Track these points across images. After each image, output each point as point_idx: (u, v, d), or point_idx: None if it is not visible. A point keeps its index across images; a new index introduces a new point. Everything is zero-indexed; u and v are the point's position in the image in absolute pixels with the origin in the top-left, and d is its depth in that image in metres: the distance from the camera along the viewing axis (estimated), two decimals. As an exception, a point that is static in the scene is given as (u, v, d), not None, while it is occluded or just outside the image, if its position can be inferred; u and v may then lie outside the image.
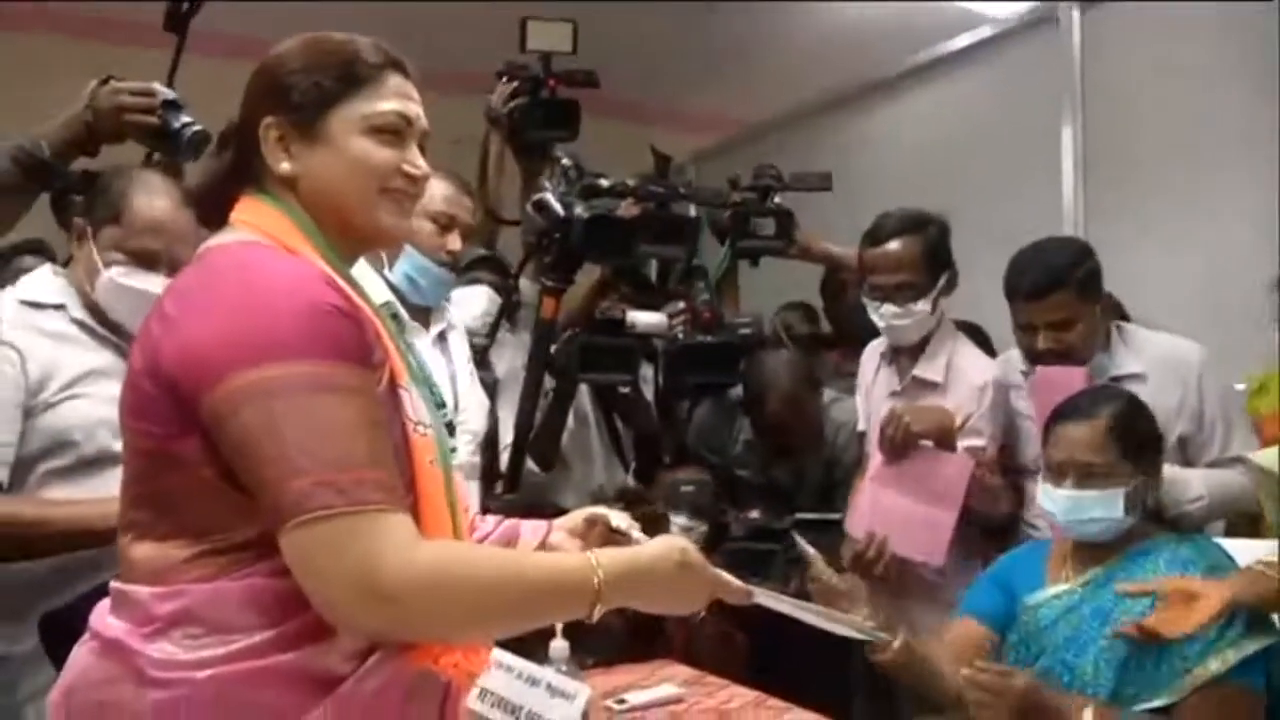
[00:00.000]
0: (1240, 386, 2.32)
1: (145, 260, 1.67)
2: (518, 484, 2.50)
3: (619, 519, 1.38)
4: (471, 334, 2.57)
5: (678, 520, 2.30)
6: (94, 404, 1.65)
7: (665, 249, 2.64)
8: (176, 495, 1.06)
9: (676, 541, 1.19)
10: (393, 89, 1.17)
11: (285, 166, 1.15)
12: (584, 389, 2.76)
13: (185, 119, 1.68)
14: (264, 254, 1.11)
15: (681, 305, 2.71)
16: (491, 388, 2.63)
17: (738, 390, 2.65)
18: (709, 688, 1.84)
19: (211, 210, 1.20)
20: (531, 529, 1.42)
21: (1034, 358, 2.10)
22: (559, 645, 1.73)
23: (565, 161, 2.50)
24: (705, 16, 4.29)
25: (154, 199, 1.68)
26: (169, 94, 1.71)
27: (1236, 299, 2.66)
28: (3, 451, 1.61)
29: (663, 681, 1.84)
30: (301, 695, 1.02)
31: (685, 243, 2.63)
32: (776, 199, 2.77)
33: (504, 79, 2.64)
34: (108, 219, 1.67)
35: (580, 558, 1.12)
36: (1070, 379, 2.03)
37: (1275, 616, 1.63)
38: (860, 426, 2.47)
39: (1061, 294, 2.04)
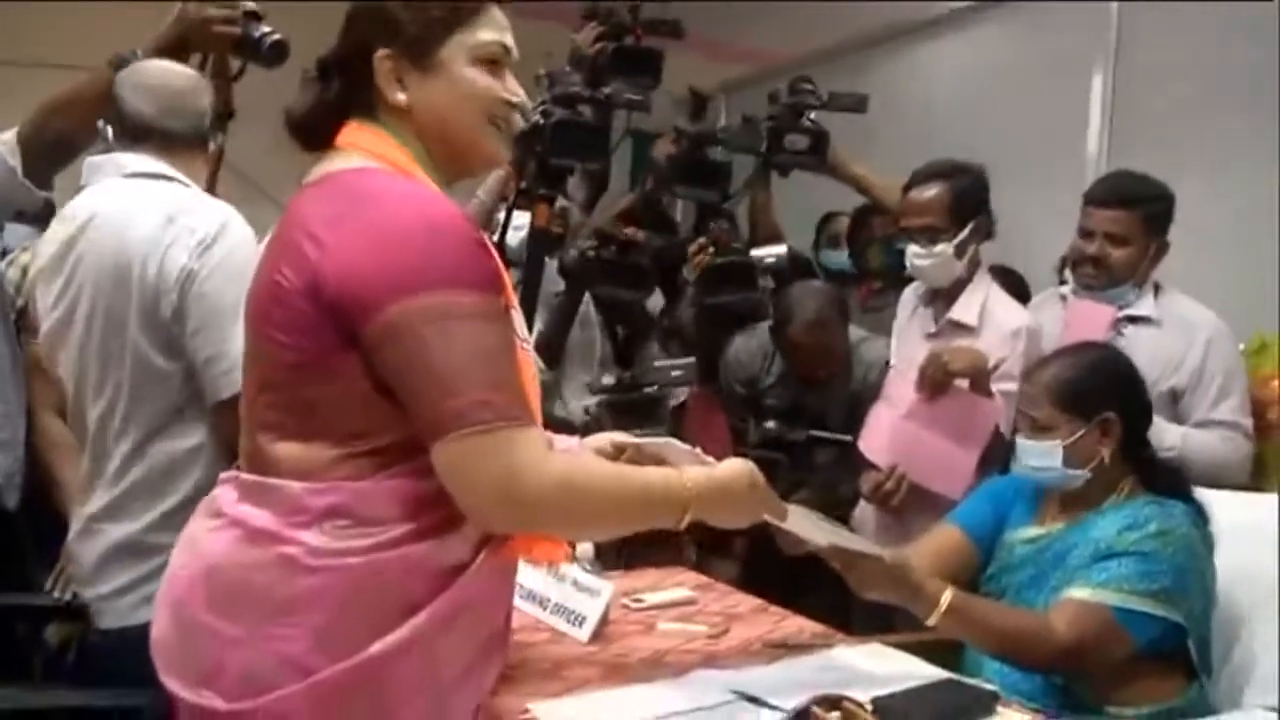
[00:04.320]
0: (1242, 345, 2.40)
1: None
2: None
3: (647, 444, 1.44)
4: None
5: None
6: None
7: (697, 192, 2.71)
8: (326, 402, 1.16)
9: (747, 464, 1.32)
10: (494, 20, 1.25)
11: (400, 97, 1.22)
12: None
13: (264, 29, 1.78)
14: (401, 183, 1.19)
15: (701, 240, 2.77)
16: None
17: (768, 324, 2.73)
18: (716, 593, 1.96)
19: (317, 136, 1.26)
20: (561, 441, 1.52)
21: (1077, 262, 2.26)
22: (585, 547, 1.88)
23: (540, 72, 2.52)
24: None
25: None
26: (250, 5, 1.80)
27: (1253, 262, 2.76)
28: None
29: (675, 585, 1.96)
30: (431, 580, 1.15)
31: (717, 186, 2.68)
32: (811, 116, 2.82)
33: (592, 23, 2.66)
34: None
35: (674, 474, 1.25)
36: (1099, 314, 2.20)
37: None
38: (892, 361, 2.55)
39: (1127, 211, 2.23)
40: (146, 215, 1.68)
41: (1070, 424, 1.77)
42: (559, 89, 2.46)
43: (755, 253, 2.77)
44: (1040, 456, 1.78)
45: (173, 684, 1.19)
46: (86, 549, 1.73)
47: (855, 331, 2.71)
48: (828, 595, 1.86)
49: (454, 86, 1.23)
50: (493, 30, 1.25)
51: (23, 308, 2.28)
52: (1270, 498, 1.94)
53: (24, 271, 2.46)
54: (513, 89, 1.27)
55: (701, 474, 1.27)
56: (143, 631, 1.61)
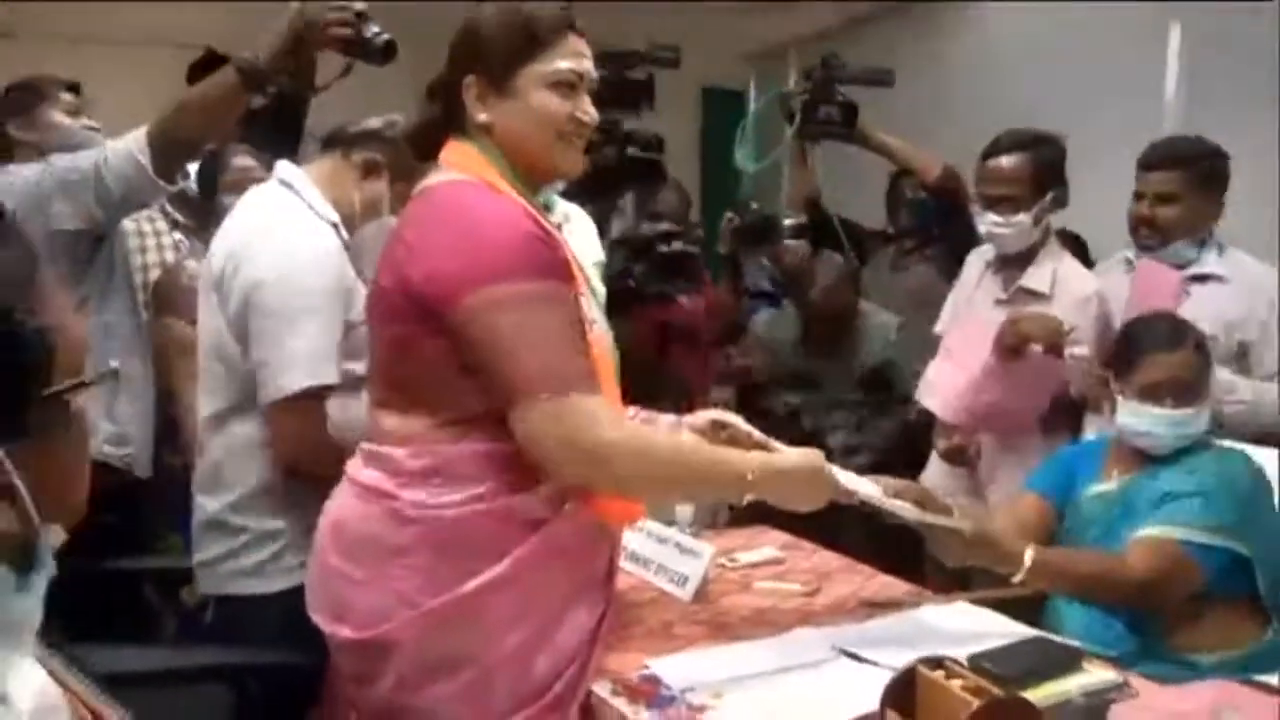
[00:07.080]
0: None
1: None
2: None
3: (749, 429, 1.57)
4: None
5: None
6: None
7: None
8: (420, 381, 1.35)
9: (812, 455, 1.45)
10: (570, 49, 1.40)
11: (482, 117, 1.39)
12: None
13: (375, 29, 1.86)
14: (479, 193, 1.36)
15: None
16: None
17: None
18: (804, 552, 2.06)
19: (426, 149, 1.46)
20: (664, 421, 1.65)
21: (1132, 225, 2.33)
22: (684, 510, 1.99)
23: None
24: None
25: None
26: (360, 6, 1.88)
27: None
28: (331, 351, 1.72)
29: (763, 545, 2.06)
30: (515, 531, 1.34)
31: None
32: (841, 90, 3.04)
33: None
34: (405, 176, 1.81)
35: (739, 457, 1.40)
36: (1167, 277, 2.26)
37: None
38: (941, 324, 2.64)
39: (1172, 172, 2.29)
40: (249, 224, 1.81)
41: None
42: None
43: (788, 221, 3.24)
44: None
45: (318, 619, 1.41)
46: (195, 518, 1.88)
47: (867, 306, 3.13)
48: (905, 548, 1.95)
49: (528, 108, 1.38)
50: (568, 59, 1.39)
51: (158, 284, 2.44)
52: None
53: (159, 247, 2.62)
54: (585, 108, 1.41)
55: (765, 460, 1.42)
56: (235, 603, 1.79)
